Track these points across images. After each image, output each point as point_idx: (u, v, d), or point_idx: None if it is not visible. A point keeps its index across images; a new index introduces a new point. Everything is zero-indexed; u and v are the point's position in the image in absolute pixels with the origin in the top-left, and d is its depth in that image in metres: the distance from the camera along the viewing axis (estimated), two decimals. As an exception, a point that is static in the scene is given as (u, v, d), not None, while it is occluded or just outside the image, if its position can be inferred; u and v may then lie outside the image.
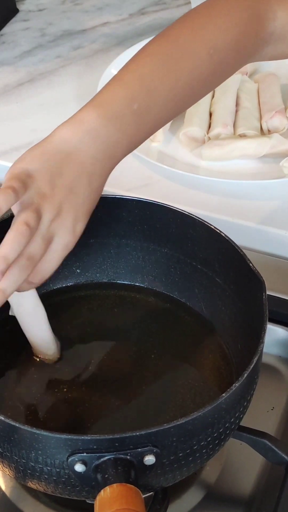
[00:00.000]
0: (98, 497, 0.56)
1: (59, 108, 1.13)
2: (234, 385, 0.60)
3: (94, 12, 1.36)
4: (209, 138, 1.03)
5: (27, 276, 0.61)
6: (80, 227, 0.65)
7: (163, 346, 0.77)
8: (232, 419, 0.63)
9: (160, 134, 1.03)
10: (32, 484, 0.62)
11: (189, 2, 1.30)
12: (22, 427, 0.57)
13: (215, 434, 0.61)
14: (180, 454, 0.60)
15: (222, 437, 0.63)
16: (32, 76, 1.20)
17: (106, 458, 0.57)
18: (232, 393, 0.60)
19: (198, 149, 1.03)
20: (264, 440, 0.68)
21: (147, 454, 0.57)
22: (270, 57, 0.79)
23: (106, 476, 0.56)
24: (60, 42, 1.28)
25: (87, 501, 0.62)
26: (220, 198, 0.96)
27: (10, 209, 0.76)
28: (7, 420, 0.57)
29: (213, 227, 0.74)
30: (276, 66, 1.17)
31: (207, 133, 1.04)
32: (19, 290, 0.62)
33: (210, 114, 1.07)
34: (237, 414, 0.63)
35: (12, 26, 1.33)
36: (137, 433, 0.56)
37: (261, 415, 0.76)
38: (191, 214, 0.75)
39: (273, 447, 0.68)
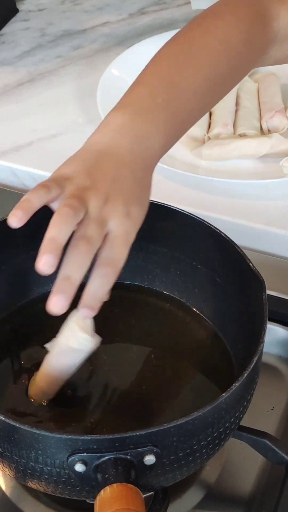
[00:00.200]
0: (98, 497, 0.56)
1: (59, 108, 1.13)
2: (234, 384, 0.60)
3: (94, 12, 1.36)
4: (209, 138, 1.03)
5: (89, 261, 0.58)
6: (136, 211, 0.61)
7: (163, 346, 0.77)
8: (232, 419, 0.63)
9: (160, 134, 1.03)
10: (32, 484, 0.62)
11: (189, 2, 1.30)
12: (22, 427, 0.57)
13: (215, 434, 0.61)
14: (180, 454, 0.60)
15: (222, 437, 0.63)
16: (32, 76, 1.20)
17: (106, 458, 0.57)
18: (232, 393, 0.60)
19: (198, 149, 1.03)
20: (264, 440, 0.68)
21: (147, 454, 0.57)
22: (275, 60, 0.79)
23: (106, 476, 0.56)
24: (60, 42, 1.28)
25: (87, 501, 0.62)
26: (220, 198, 0.96)
27: (8, 211, 0.76)
28: (7, 420, 0.57)
29: (213, 227, 0.74)
30: (276, 66, 1.17)
31: (207, 132, 1.04)
32: (98, 291, 0.59)
33: (210, 114, 1.07)
34: (237, 414, 0.63)
35: (12, 26, 1.33)
36: (137, 433, 0.56)
37: (261, 414, 0.76)
38: (191, 214, 0.75)
39: (273, 446, 0.68)
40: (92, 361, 0.75)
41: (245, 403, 0.65)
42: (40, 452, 0.58)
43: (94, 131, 0.64)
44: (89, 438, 0.57)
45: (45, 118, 1.11)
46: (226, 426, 0.62)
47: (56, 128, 1.09)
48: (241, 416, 0.65)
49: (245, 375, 0.61)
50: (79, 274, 0.57)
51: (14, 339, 0.78)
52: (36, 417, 0.70)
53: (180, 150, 1.03)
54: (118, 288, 0.82)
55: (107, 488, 0.55)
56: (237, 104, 1.07)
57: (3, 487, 0.72)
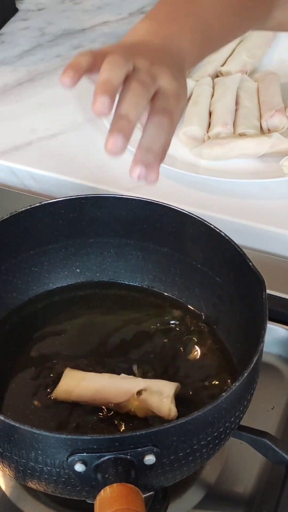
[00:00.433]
0: (98, 497, 0.55)
1: (59, 107, 1.12)
2: (234, 384, 0.60)
3: (93, 11, 1.36)
4: (209, 137, 1.03)
5: (145, 102, 0.55)
6: (181, 79, 0.59)
7: (163, 345, 0.77)
8: (232, 419, 0.63)
9: (159, 133, 1.03)
10: (32, 484, 0.62)
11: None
12: (22, 427, 0.57)
13: (215, 434, 0.61)
14: (180, 454, 0.60)
15: (222, 436, 0.63)
16: (31, 75, 1.20)
17: (106, 458, 0.56)
18: (232, 393, 0.60)
19: (198, 148, 1.02)
20: (264, 440, 0.68)
21: (147, 454, 0.57)
22: (278, 22, 0.79)
23: (106, 476, 0.56)
24: (60, 42, 1.28)
25: (87, 501, 0.62)
26: (220, 197, 0.96)
27: (8, 211, 0.77)
28: (7, 420, 0.57)
29: (213, 227, 0.74)
30: (276, 65, 1.17)
31: (207, 132, 1.04)
32: (152, 143, 0.55)
33: (210, 113, 1.07)
34: (237, 414, 0.63)
35: (12, 26, 1.33)
36: (137, 433, 0.56)
37: (261, 414, 0.76)
38: (191, 213, 0.75)
39: (273, 446, 0.68)
40: (91, 360, 0.75)
41: (245, 403, 0.65)
42: (40, 452, 0.58)
43: (122, 39, 0.64)
44: (89, 438, 0.57)
45: (45, 117, 1.11)
46: (226, 426, 0.62)
47: (55, 128, 1.08)
48: (241, 415, 0.65)
49: (245, 374, 0.60)
50: (135, 113, 0.54)
51: (13, 339, 0.78)
52: (36, 417, 0.70)
53: (180, 149, 1.03)
54: (118, 288, 0.83)
55: (107, 488, 0.55)
56: (237, 103, 1.07)
57: (3, 487, 0.71)
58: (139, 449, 0.56)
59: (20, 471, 0.61)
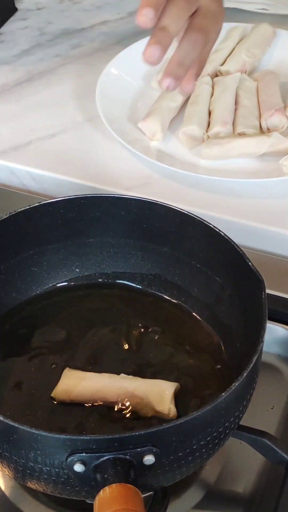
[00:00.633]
0: (97, 497, 0.55)
1: (58, 107, 1.12)
2: (233, 384, 0.60)
3: (93, 11, 1.36)
4: (208, 137, 1.03)
5: (186, 16, 0.58)
6: (220, 2, 0.63)
7: (162, 345, 0.77)
8: (232, 419, 0.63)
9: (159, 132, 1.03)
10: (31, 484, 0.62)
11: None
12: (21, 427, 0.57)
13: (215, 434, 0.61)
14: (180, 454, 0.59)
15: (222, 436, 0.63)
16: (31, 75, 1.20)
17: (105, 458, 0.56)
18: (231, 393, 0.60)
19: (197, 148, 1.02)
20: (264, 439, 0.68)
21: (146, 454, 0.57)
22: None
23: (106, 476, 0.56)
24: (59, 41, 1.28)
25: (87, 501, 0.62)
26: (220, 197, 0.96)
27: (7, 210, 0.77)
28: (6, 420, 0.57)
29: (212, 226, 0.73)
30: (275, 64, 1.17)
31: (206, 131, 1.03)
32: (185, 57, 0.59)
33: (209, 113, 1.06)
34: (236, 414, 0.63)
35: (11, 25, 1.33)
36: (137, 433, 0.56)
37: (261, 414, 0.76)
38: (190, 213, 0.75)
39: (273, 446, 0.68)
40: (91, 360, 0.75)
41: (245, 403, 0.65)
42: (39, 452, 0.58)
43: None
44: (88, 438, 0.57)
45: (44, 117, 1.11)
46: (226, 426, 0.62)
47: (55, 128, 1.08)
48: (240, 415, 0.65)
49: (245, 374, 0.60)
50: (175, 26, 0.57)
51: (13, 338, 0.78)
52: (36, 417, 0.70)
53: (179, 149, 1.03)
54: (117, 287, 0.83)
55: (106, 488, 0.55)
56: (236, 102, 1.07)
57: (2, 487, 0.71)
58: (139, 449, 0.56)
59: (19, 471, 0.61)
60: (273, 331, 0.81)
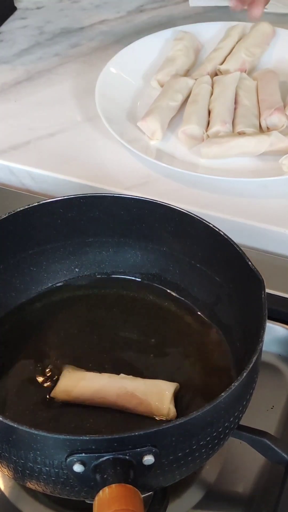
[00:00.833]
0: (97, 498, 0.55)
1: (57, 106, 1.12)
2: (233, 384, 0.60)
3: (92, 10, 1.36)
4: (208, 136, 1.03)
5: None
6: None
7: (162, 345, 0.77)
8: (232, 418, 0.63)
9: (158, 132, 1.03)
10: (31, 485, 0.62)
11: (187, -1, 1.30)
12: (20, 427, 0.57)
13: (215, 434, 0.61)
14: (180, 454, 0.59)
15: (222, 436, 0.62)
16: (30, 74, 1.20)
17: (105, 458, 0.56)
18: (231, 392, 0.59)
19: (197, 147, 1.02)
20: (264, 439, 0.68)
21: (146, 454, 0.57)
22: None
23: (105, 476, 0.56)
24: (58, 40, 1.28)
25: (86, 501, 0.62)
26: (219, 196, 0.96)
27: (6, 210, 0.77)
28: (6, 421, 0.57)
29: (212, 226, 0.73)
30: (275, 64, 1.17)
31: (206, 131, 1.03)
32: None
33: (209, 112, 1.06)
34: (236, 413, 0.63)
35: (10, 24, 1.33)
36: (136, 433, 0.56)
37: (260, 414, 0.76)
38: (190, 212, 0.75)
39: (273, 446, 0.68)
40: (91, 359, 0.75)
41: (245, 403, 0.65)
42: (38, 452, 0.58)
43: None
44: (87, 438, 0.56)
45: (43, 116, 1.10)
46: (226, 426, 0.62)
47: (54, 127, 1.08)
48: (240, 415, 0.65)
49: (245, 374, 0.60)
50: None
51: (12, 338, 0.77)
52: (35, 417, 0.70)
53: (178, 148, 1.03)
54: (117, 288, 0.82)
55: (106, 489, 0.55)
56: (236, 102, 1.07)
57: (2, 487, 0.71)
58: (138, 449, 0.56)
59: (18, 471, 0.61)
60: (273, 330, 0.81)
